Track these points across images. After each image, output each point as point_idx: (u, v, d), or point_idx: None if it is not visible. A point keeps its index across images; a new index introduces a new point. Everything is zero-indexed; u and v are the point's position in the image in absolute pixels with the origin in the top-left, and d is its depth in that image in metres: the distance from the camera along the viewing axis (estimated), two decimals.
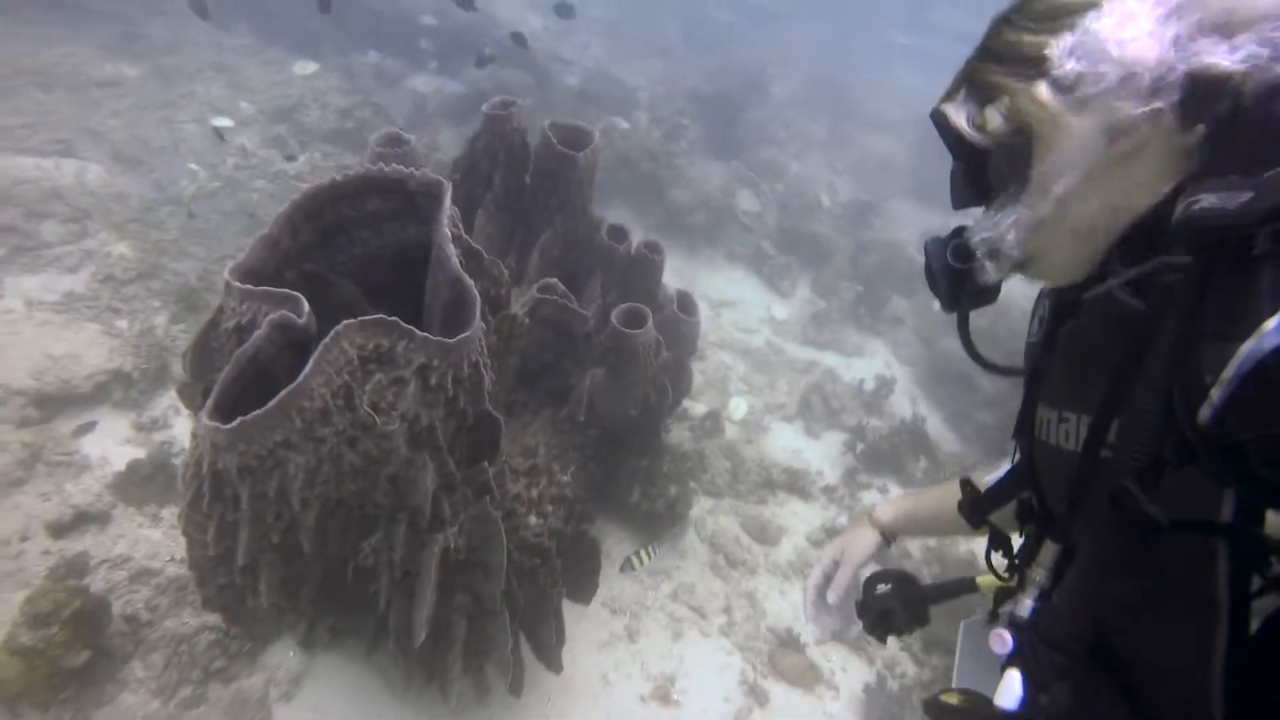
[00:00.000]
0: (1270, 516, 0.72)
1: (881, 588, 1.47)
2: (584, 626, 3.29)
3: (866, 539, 1.60)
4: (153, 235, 4.40)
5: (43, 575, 2.62)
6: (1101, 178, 0.87)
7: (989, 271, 0.99)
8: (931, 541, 4.31)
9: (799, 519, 4.46)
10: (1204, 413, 0.70)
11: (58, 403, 3.27)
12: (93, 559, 2.71)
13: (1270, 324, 0.65)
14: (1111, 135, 0.85)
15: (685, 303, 3.49)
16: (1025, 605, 1.00)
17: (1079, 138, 0.86)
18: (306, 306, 1.74)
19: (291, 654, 2.75)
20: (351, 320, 1.73)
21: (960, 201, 1.02)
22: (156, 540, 2.86)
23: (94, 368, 3.37)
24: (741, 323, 6.53)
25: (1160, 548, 0.81)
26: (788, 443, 5.18)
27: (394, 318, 1.78)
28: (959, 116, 0.97)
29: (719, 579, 3.92)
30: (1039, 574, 1.00)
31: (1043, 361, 1.05)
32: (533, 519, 2.52)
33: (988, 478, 1.38)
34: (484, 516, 2.05)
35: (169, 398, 3.57)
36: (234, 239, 4.67)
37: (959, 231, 1.02)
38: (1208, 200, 0.74)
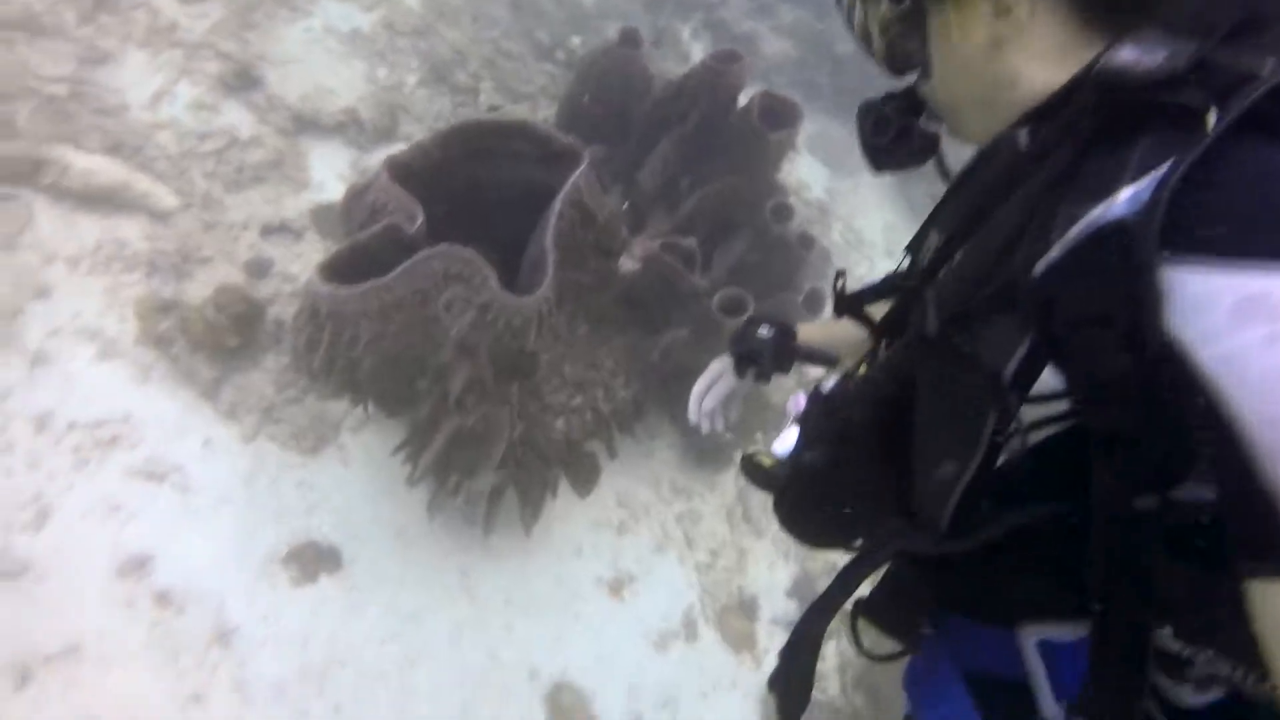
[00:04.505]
0: (1044, 375, 0.77)
1: (763, 331, 1.46)
2: (587, 502, 3.83)
3: None
4: None
5: (241, 264, 3.48)
6: (990, 54, 0.86)
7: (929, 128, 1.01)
8: None
9: None
10: (1039, 265, 0.72)
11: (305, 124, 4.00)
12: (274, 267, 3.52)
13: (1124, 193, 0.66)
14: (996, 12, 0.85)
15: (813, 302, 3.53)
16: (830, 381, 1.12)
17: (960, 16, 0.87)
18: (420, 220, 2.14)
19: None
20: (445, 246, 2.12)
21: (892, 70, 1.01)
22: None
23: (340, 108, 4.04)
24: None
25: (945, 372, 0.87)
26: None
27: (480, 258, 2.14)
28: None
29: (727, 525, 4.28)
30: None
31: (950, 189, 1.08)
32: (559, 423, 2.97)
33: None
34: (497, 420, 2.51)
35: (384, 150, 4.22)
36: (509, 18, 5.04)
37: (897, 97, 1.03)
38: (1123, 56, 0.71)
